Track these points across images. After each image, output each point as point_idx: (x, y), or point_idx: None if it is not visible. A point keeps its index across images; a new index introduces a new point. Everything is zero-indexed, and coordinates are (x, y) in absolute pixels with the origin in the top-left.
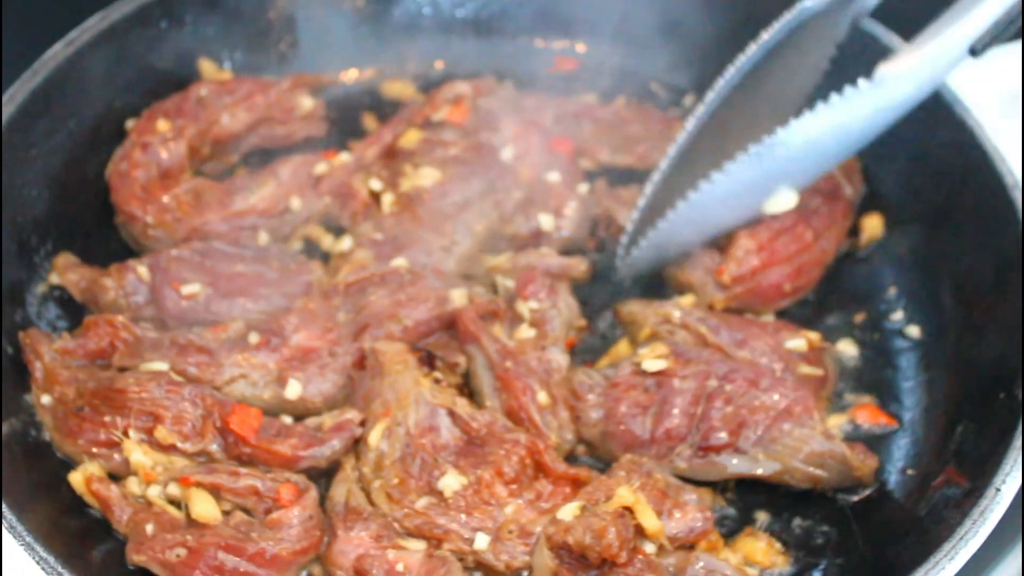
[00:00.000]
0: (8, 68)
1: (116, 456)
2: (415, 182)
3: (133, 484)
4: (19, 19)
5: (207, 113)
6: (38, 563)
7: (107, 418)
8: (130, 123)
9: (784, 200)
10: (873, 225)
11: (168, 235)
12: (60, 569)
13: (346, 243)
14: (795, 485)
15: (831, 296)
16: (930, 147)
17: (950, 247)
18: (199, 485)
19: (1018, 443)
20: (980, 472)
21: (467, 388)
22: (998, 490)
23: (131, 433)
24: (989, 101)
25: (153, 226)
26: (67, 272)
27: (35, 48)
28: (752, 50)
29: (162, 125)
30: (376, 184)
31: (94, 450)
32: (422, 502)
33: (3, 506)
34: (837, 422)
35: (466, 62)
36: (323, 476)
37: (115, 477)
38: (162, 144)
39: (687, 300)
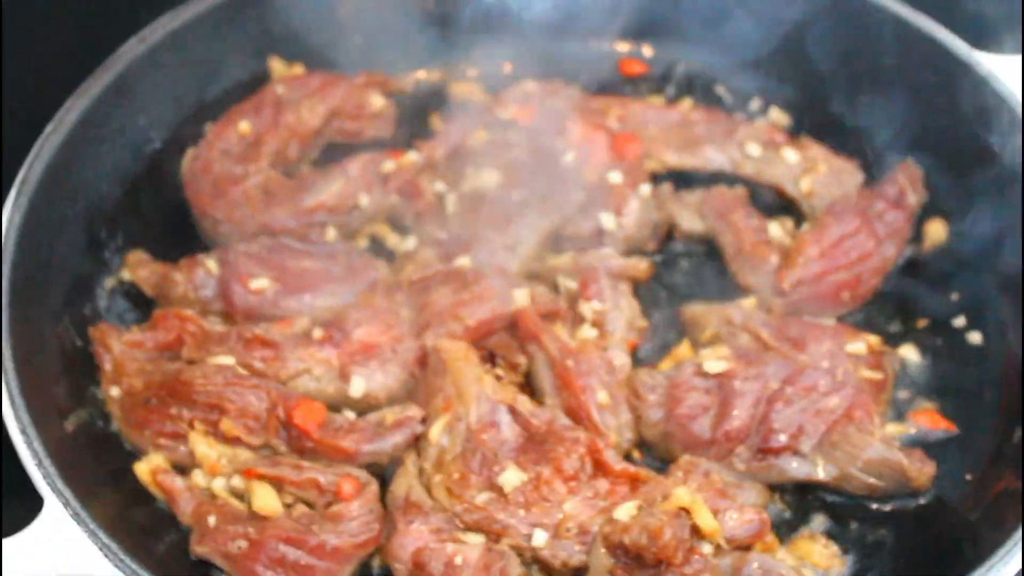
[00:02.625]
0: (82, 63)
1: (182, 448)
2: (476, 183)
3: (199, 476)
4: (93, 14)
5: (286, 111)
6: (101, 550)
7: (173, 410)
8: (208, 125)
9: None
10: (936, 231)
11: (237, 231)
12: (123, 557)
13: (411, 242)
14: (852, 492)
15: (893, 301)
16: (992, 152)
17: (1012, 253)
18: (262, 477)
19: None
20: None
21: (528, 387)
22: None
23: (197, 425)
24: None
25: (223, 221)
26: (138, 268)
27: (108, 44)
28: None
29: (243, 127)
30: (440, 185)
31: (160, 441)
32: (482, 497)
33: (69, 494)
34: (897, 427)
35: (533, 64)
36: (385, 471)
37: (181, 469)
38: (240, 146)
39: (749, 303)
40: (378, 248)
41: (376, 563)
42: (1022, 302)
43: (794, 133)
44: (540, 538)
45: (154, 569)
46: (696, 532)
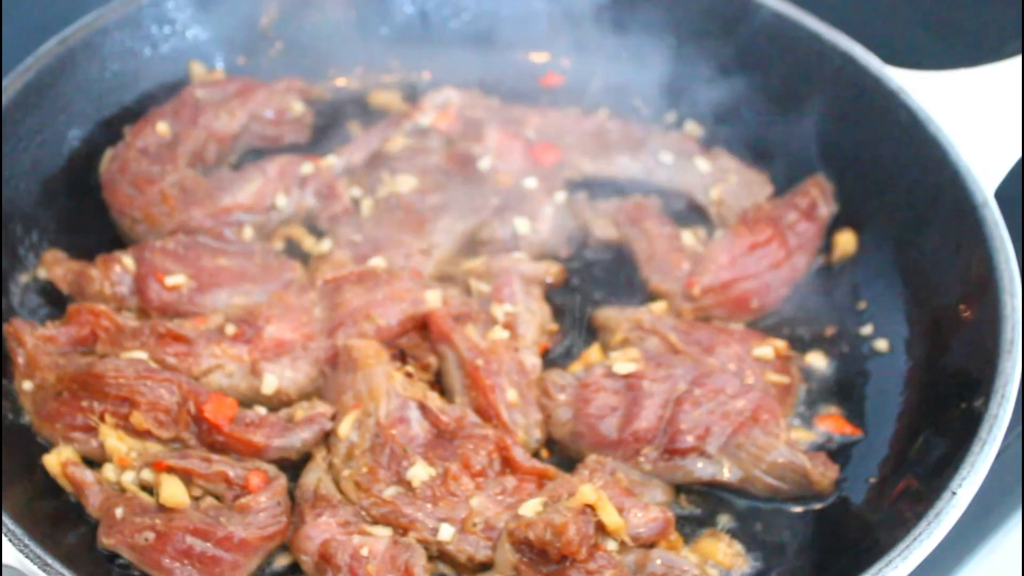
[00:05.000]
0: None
1: (93, 441)
2: (392, 188)
3: (109, 471)
4: (15, 15)
5: (205, 114)
6: (6, 536)
7: (85, 403)
8: (126, 127)
9: None
10: (846, 241)
11: (155, 229)
12: (28, 543)
13: (326, 245)
14: (756, 494)
15: (802, 309)
16: (902, 165)
17: (920, 263)
18: (171, 470)
19: (976, 449)
20: (937, 478)
21: (438, 387)
22: (954, 493)
23: (107, 418)
24: (962, 118)
25: (140, 220)
26: (55, 266)
27: (29, 45)
28: None
29: (161, 127)
30: (356, 191)
31: (71, 434)
32: (390, 491)
33: None
34: (802, 431)
35: (453, 74)
36: (295, 467)
37: (93, 463)
38: (158, 146)
39: (659, 307)
40: (294, 250)
41: (282, 558)
42: (928, 312)
43: (707, 145)
44: (447, 532)
45: (62, 560)
46: (601, 529)
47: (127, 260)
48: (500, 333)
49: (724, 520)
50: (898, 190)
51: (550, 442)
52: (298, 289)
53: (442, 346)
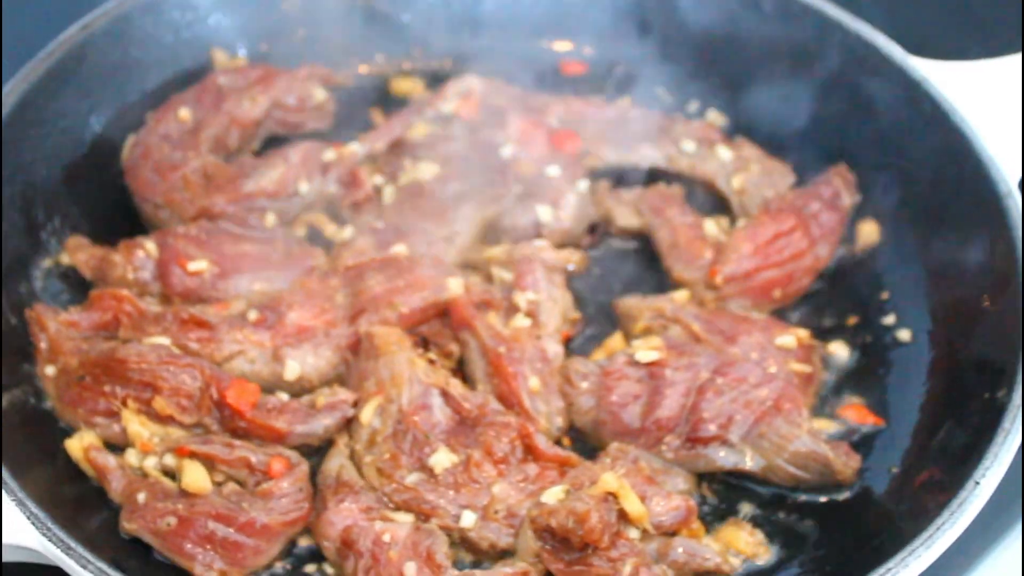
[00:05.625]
0: (25, 48)
1: (115, 426)
2: (414, 176)
3: (132, 456)
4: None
5: (227, 100)
6: (30, 519)
7: (107, 388)
8: (149, 114)
9: None
10: (868, 232)
11: (177, 215)
12: (51, 527)
13: (348, 232)
14: (778, 483)
15: (825, 298)
16: (925, 155)
17: (943, 254)
18: (194, 455)
19: (999, 439)
20: (960, 468)
21: (460, 374)
22: (977, 483)
23: (130, 403)
24: (986, 108)
25: (163, 206)
26: (77, 252)
27: (51, 30)
28: None
29: (183, 113)
30: (378, 178)
31: (94, 419)
32: (412, 478)
33: (3, 470)
34: (825, 421)
35: (476, 62)
36: (316, 453)
37: (113, 448)
38: (180, 133)
39: (682, 296)
40: (316, 237)
41: (305, 541)
42: (950, 302)
43: (730, 134)
44: (468, 519)
45: (84, 544)
46: (623, 517)
47: (150, 246)
48: (522, 321)
49: (746, 509)
50: (921, 181)
51: (572, 430)
52: (320, 276)
53: (464, 333)
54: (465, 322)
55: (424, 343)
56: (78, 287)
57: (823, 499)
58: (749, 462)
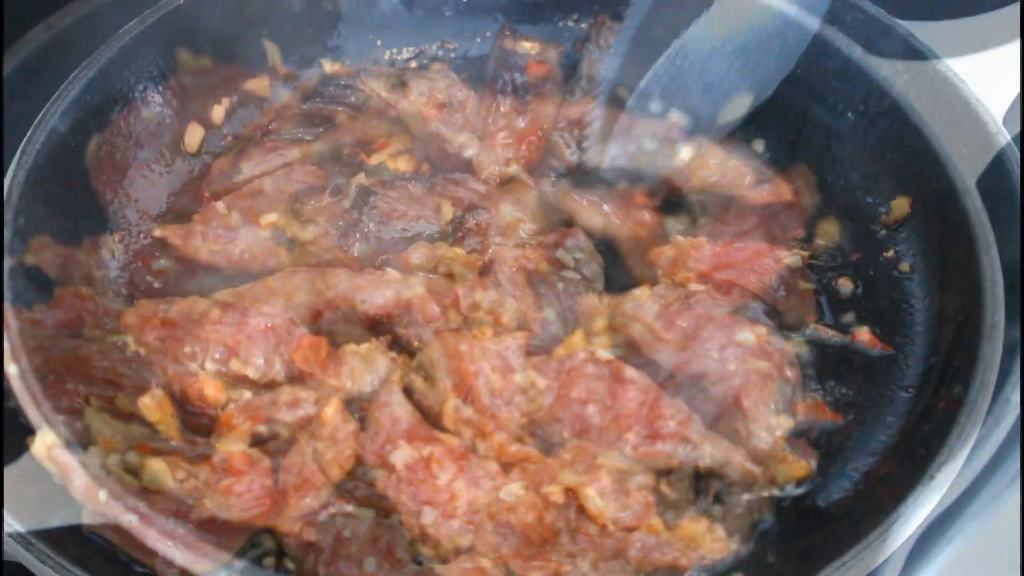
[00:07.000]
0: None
1: (78, 424)
2: (377, 175)
3: (95, 454)
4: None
5: (191, 101)
6: None
7: (70, 385)
8: (113, 114)
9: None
10: (828, 231)
11: (142, 215)
12: (14, 524)
13: (311, 231)
14: (736, 479)
15: (786, 296)
16: (884, 153)
17: (904, 253)
18: (155, 453)
19: (955, 434)
20: (917, 463)
21: (421, 372)
22: (932, 478)
23: (92, 401)
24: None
25: (127, 206)
26: (42, 252)
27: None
28: None
29: (148, 114)
30: (342, 176)
31: (57, 417)
32: (373, 474)
33: None
34: (783, 418)
35: (440, 62)
36: (278, 450)
37: (78, 446)
38: (145, 132)
39: (642, 294)
40: (279, 236)
41: (265, 538)
42: (910, 300)
43: (691, 134)
44: (429, 516)
45: (46, 542)
46: (582, 513)
47: (114, 245)
48: (484, 319)
49: (705, 505)
50: (877, 178)
51: (532, 427)
52: (283, 275)
53: (425, 331)
54: (427, 320)
55: (386, 341)
56: (43, 286)
57: (782, 495)
58: (708, 459)
